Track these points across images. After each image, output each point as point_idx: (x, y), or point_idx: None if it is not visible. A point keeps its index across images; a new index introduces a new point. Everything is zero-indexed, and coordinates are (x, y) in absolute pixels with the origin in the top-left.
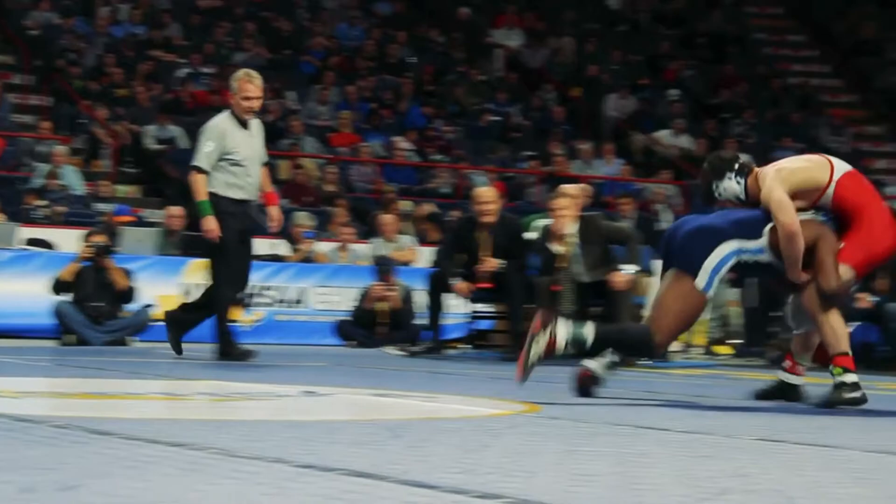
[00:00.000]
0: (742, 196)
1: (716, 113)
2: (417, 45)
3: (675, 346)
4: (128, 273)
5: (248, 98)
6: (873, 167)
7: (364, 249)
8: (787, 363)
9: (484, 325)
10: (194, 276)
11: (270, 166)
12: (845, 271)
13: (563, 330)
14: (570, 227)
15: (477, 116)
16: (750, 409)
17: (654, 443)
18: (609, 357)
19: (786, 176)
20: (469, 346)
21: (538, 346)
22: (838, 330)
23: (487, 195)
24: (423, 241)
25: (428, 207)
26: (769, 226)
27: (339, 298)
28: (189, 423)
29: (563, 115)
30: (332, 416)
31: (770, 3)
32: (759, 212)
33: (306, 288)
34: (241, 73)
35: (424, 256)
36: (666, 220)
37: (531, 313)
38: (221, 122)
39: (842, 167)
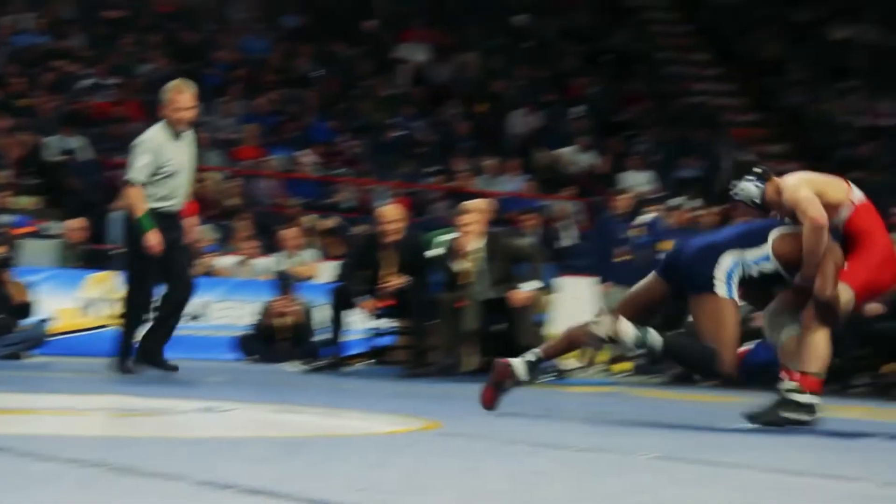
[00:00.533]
0: (758, 200)
1: (620, 130)
2: (323, 58)
3: (574, 363)
4: (25, 287)
5: (180, 109)
6: None
7: (266, 264)
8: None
9: (385, 341)
10: (93, 290)
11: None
12: (845, 291)
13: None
14: (476, 244)
15: (382, 131)
16: (648, 426)
17: (552, 460)
18: (530, 357)
19: (809, 180)
20: (370, 361)
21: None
22: (820, 351)
23: (391, 214)
24: (326, 256)
25: (331, 222)
26: (774, 233)
27: (241, 313)
28: (86, 439)
29: (468, 131)
30: (232, 432)
31: (675, 22)
32: (760, 223)
33: (207, 302)
34: (173, 84)
35: (327, 271)
36: (569, 237)
37: (432, 330)
38: (155, 135)
39: (859, 194)
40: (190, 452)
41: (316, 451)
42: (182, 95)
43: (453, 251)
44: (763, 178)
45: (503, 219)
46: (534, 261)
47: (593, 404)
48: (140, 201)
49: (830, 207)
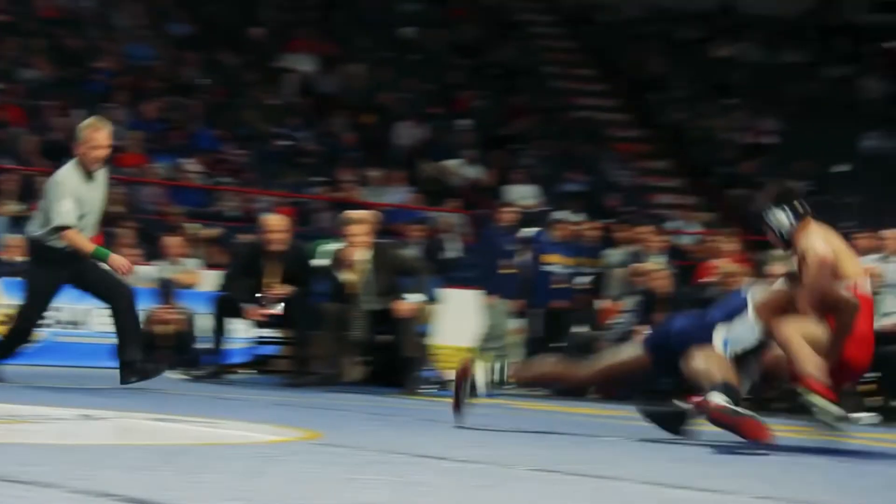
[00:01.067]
0: (784, 233)
1: (505, 143)
2: (209, 67)
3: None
4: None
5: (96, 148)
6: (657, 202)
7: (148, 271)
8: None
9: (268, 350)
10: None
11: None
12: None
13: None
14: (363, 255)
15: (267, 140)
16: (530, 438)
17: (432, 472)
18: (496, 376)
19: (835, 243)
20: (253, 371)
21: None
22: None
23: (276, 223)
24: (209, 265)
25: (215, 231)
26: (752, 297)
27: None
28: None
29: (355, 142)
30: (110, 440)
31: (561, 38)
32: (736, 296)
33: (88, 309)
34: (89, 122)
35: (209, 280)
36: (453, 250)
37: (316, 340)
38: (70, 177)
39: (868, 287)
40: (67, 460)
41: (194, 459)
42: (99, 133)
43: (339, 261)
44: (798, 216)
45: (388, 230)
46: (419, 273)
47: (476, 415)
48: (82, 240)
49: (837, 275)
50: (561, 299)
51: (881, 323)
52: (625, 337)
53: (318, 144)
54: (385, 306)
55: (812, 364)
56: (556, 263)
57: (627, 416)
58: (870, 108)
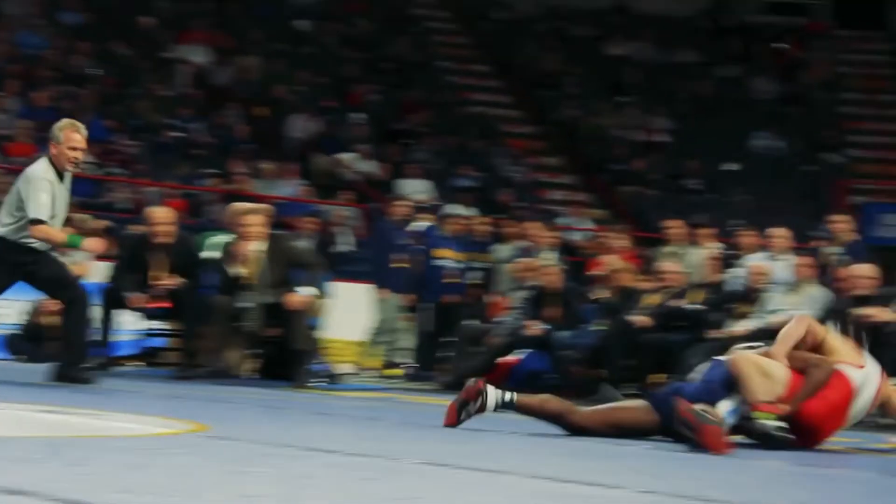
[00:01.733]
0: None
1: (399, 138)
2: (101, 56)
3: (347, 368)
4: None
5: (74, 148)
6: (549, 198)
7: None
8: None
9: (157, 342)
10: None
11: None
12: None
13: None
14: (258, 246)
15: (159, 132)
16: (418, 432)
17: (320, 465)
18: (506, 396)
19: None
20: (141, 363)
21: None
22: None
23: (162, 216)
24: (98, 257)
25: (104, 222)
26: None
27: (8, 312)
28: None
29: (247, 134)
30: None
31: (456, 34)
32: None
33: None
34: (67, 122)
35: (98, 272)
36: (345, 243)
37: (205, 333)
38: (46, 173)
39: (859, 379)
40: None
41: (81, 451)
42: (76, 134)
43: (232, 254)
44: None
45: (280, 223)
46: (313, 266)
47: (365, 409)
48: (55, 233)
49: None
50: (452, 294)
51: (768, 320)
52: (515, 332)
53: (210, 136)
54: (277, 299)
55: (762, 393)
56: (447, 258)
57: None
58: (760, 108)
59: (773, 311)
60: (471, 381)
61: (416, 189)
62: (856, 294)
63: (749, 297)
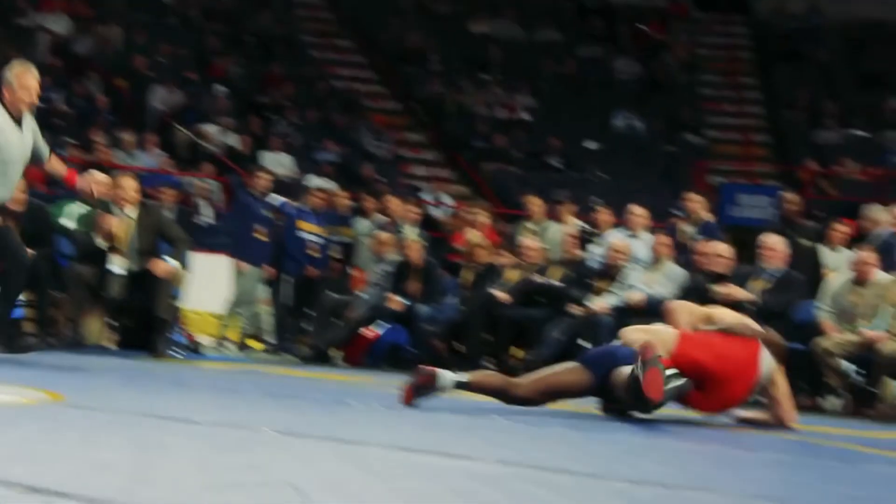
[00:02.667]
0: None
1: (261, 111)
2: None
3: (207, 340)
4: None
5: (29, 88)
6: (412, 173)
7: None
8: None
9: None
10: None
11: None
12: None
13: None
14: (129, 213)
15: None
16: (277, 403)
17: (176, 434)
18: (459, 377)
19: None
20: None
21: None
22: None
23: None
24: None
25: None
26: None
27: None
28: None
29: (108, 105)
30: None
31: (319, 8)
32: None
33: None
34: (19, 64)
35: None
36: (206, 215)
37: (62, 301)
38: None
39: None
40: None
41: None
42: (29, 75)
43: (96, 222)
44: None
45: (142, 193)
46: (180, 244)
47: (225, 380)
48: None
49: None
50: (314, 267)
51: (626, 295)
52: (376, 306)
53: (70, 106)
54: (142, 267)
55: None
56: (309, 231)
57: (376, 383)
58: (621, 88)
59: (631, 288)
60: (424, 369)
61: (278, 162)
62: (712, 271)
63: (608, 273)
